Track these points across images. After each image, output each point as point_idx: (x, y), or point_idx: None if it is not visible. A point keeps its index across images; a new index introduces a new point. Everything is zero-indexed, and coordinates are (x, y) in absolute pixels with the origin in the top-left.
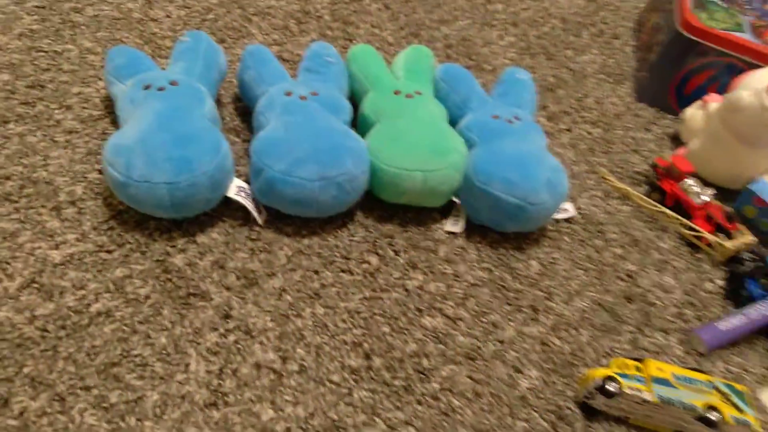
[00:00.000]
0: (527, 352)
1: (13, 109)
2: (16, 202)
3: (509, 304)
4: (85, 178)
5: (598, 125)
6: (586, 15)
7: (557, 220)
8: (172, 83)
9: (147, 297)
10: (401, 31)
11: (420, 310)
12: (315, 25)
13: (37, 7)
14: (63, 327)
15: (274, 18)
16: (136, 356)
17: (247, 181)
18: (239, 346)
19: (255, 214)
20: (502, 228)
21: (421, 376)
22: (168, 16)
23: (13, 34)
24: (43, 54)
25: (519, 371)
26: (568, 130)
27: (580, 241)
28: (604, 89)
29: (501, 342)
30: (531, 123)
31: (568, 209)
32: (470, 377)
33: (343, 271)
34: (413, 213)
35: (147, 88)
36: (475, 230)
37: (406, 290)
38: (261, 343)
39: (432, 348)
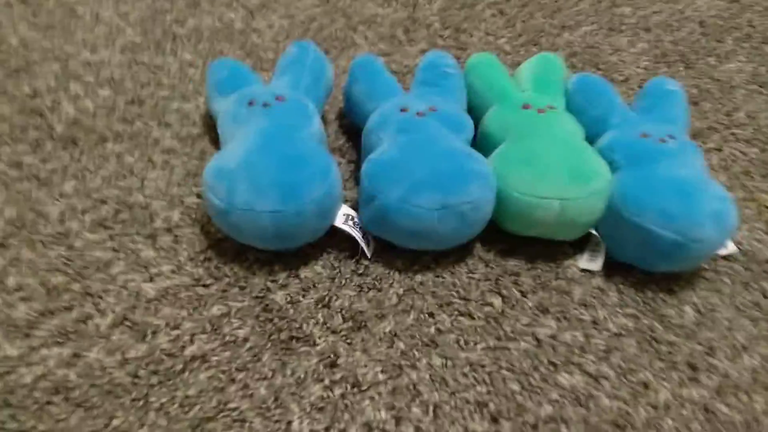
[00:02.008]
0: (688, 421)
1: (111, 126)
2: (111, 228)
3: (662, 360)
4: (182, 202)
5: (753, 144)
6: (728, 18)
7: (713, 258)
8: (278, 98)
9: (245, 339)
10: (519, 39)
11: (554, 365)
12: (424, 33)
13: (140, 19)
14: (155, 372)
15: (381, 27)
16: (233, 410)
17: (355, 208)
18: (347, 401)
19: (363, 245)
20: (651, 267)
21: None
22: (270, 27)
23: (116, 47)
24: (143, 67)
25: None
26: (718, 149)
27: (743, 284)
28: (757, 102)
29: (654, 407)
30: (687, 142)
31: (727, 245)
32: None
33: (461, 314)
34: (541, 246)
35: (251, 104)
36: (614, 268)
37: (537, 340)
38: (371, 398)
39: (571, 412)
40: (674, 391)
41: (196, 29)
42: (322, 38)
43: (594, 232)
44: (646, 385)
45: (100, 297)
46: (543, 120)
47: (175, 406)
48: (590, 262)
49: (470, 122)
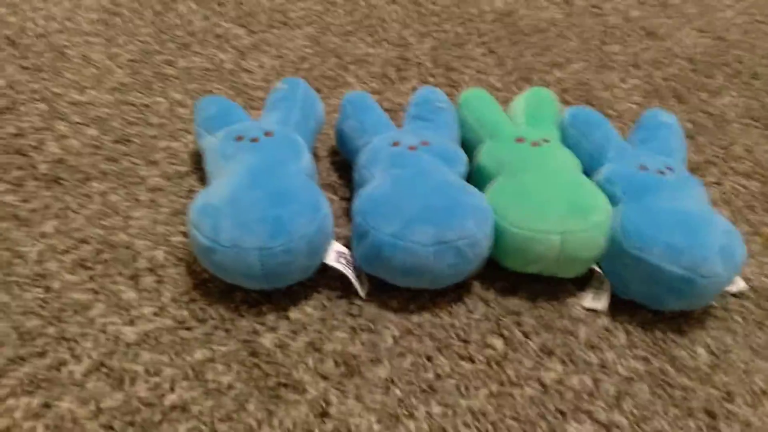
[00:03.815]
0: None
1: (96, 165)
2: (91, 269)
3: (676, 406)
4: (168, 241)
5: (753, 177)
6: (716, 55)
7: (723, 295)
8: (267, 134)
9: (230, 386)
10: (509, 76)
11: (562, 413)
12: (415, 72)
13: (130, 60)
14: (131, 423)
15: (372, 66)
16: None
17: (348, 247)
18: None
19: (356, 284)
20: (658, 305)
21: None
22: (261, 67)
23: (104, 88)
24: (132, 107)
25: None
26: (718, 183)
27: (756, 323)
28: (752, 135)
29: None
30: (687, 175)
31: (736, 281)
32: None
33: (462, 357)
34: (543, 284)
35: (239, 139)
36: (620, 307)
37: (543, 385)
38: None
39: None
40: None
41: (187, 70)
42: (313, 78)
43: (596, 268)
44: None
45: (76, 341)
46: (537, 153)
47: None
48: (594, 301)
49: (464, 156)
